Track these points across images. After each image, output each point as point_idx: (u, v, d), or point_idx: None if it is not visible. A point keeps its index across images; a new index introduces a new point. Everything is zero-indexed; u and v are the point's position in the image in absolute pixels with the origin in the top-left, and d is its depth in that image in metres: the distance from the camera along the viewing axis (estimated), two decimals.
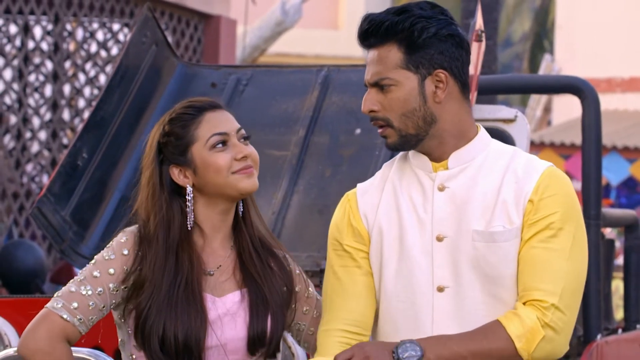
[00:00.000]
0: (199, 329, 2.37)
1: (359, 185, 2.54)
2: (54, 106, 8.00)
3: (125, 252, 2.42)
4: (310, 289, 2.52)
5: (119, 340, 2.48)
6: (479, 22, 3.89)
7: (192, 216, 2.44)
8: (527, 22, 20.77)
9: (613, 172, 11.68)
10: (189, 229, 2.43)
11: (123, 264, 2.42)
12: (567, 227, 2.35)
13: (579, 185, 4.35)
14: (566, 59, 15.16)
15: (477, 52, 3.87)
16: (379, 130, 2.42)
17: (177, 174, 2.45)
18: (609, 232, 7.17)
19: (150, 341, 2.37)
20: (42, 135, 8.01)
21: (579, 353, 4.37)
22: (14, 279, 6.18)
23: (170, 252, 2.41)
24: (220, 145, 2.44)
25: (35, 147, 8.01)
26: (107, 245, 2.45)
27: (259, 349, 2.44)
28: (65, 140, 8.02)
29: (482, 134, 2.45)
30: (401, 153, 2.50)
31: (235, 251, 2.48)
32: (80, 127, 4.15)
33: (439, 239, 2.39)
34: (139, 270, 2.41)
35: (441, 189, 2.41)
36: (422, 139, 2.41)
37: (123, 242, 2.44)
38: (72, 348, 2.89)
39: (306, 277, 2.54)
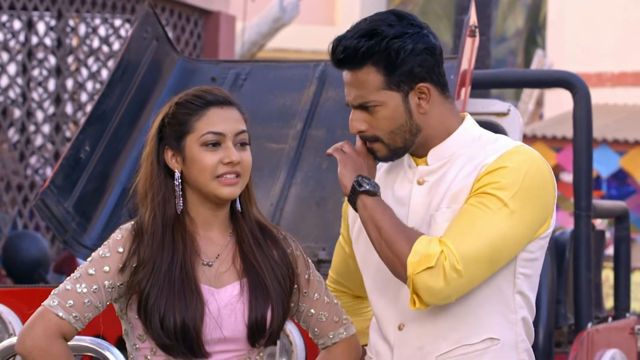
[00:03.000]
0: (194, 316, 2.37)
1: None
2: (57, 100, 8.04)
3: (120, 249, 2.41)
4: (310, 271, 2.51)
5: (123, 330, 2.48)
6: (472, 18, 3.88)
7: (181, 201, 2.42)
8: (520, 18, 20.80)
9: (603, 164, 11.70)
10: (179, 212, 2.42)
11: (118, 262, 2.41)
12: (502, 194, 2.33)
13: (570, 177, 4.36)
14: (558, 54, 15.19)
15: (470, 47, 3.89)
16: (370, 145, 2.43)
17: (169, 157, 2.44)
18: (599, 223, 7.21)
19: (151, 320, 2.38)
20: (46, 128, 8.04)
21: (570, 341, 4.41)
22: (18, 269, 6.22)
23: (167, 230, 2.41)
24: (211, 145, 2.41)
25: (39, 140, 8.02)
26: (104, 243, 2.45)
27: (259, 340, 2.44)
28: (68, 134, 8.05)
29: (465, 126, 2.46)
30: None
31: (235, 239, 2.47)
32: (82, 120, 4.17)
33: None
34: (134, 267, 2.40)
35: (420, 182, 2.45)
36: (409, 148, 2.45)
37: (118, 239, 2.42)
38: (75, 337, 2.89)
39: (307, 259, 2.53)
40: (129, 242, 2.42)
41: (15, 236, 6.65)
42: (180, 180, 2.43)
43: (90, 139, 4.02)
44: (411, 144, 2.44)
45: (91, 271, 2.41)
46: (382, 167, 2.55)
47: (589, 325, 4.20)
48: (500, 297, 2.41)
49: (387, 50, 2.37)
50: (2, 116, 7.69)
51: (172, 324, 2.37)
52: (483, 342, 2.40)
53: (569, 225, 4.68)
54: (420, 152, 2.47)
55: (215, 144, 2.41)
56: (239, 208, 2.46)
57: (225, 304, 2.42)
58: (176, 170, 2.44)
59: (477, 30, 3.94)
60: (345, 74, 2.42)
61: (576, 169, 4.27)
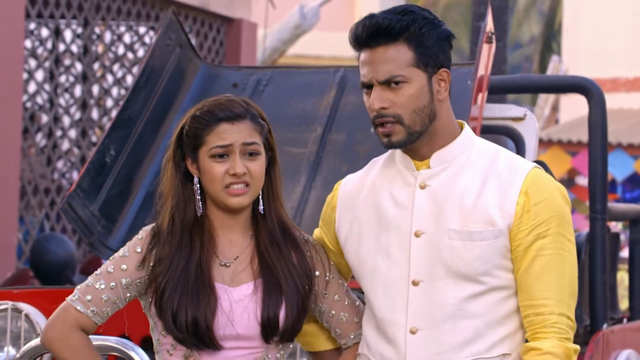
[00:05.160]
0: (205, 313, 2.43)
1: (346, 178, 2.62)
2: (84, 106, 8.14)
3: (139, 249, 2.50)
4: (329, 273, 2.56)
5: (150, 326, 2.55)
6: (489, 24, 3.90)
7: (200, 204, 2.51)
8: (535, 25, 20.79)
9: (618, 168, 11.75)
10: (199, 215, 2.50)
11: (136, 261, 2.49)
12: (562, 230, 2.42)
13: (585, 181, 4.37)
14: (573, 60, 15.21)
15: (487, 53, 3.92)
16: (385, 129, 2.43)
17: (190, 163, 2.54)
18: (614, 225, 7.21)
19: (165, 315, 2.46)
20: (72, 133, 8.13)
21: (585, 342, 4.41)
22: (45, 271, 6.29)
23: (185, 231, 2.49)
24: (218, 156, 2.48)
25: (65, 145, 8.11)
26: (127, 243, 2.53)
27: (273, 337, 2.49)
28: (94, 138, 8.13)
29: (466, 132, 2.50)
30: (389, 151, 2.55)
31: (254, 241, 2.53)
32: (108, 125, 4.19)
33: (417, 235, 2.45)
34: (152, 265, 2.48)
35: (422, 187, 2.46)
36: (423, 135, 2.45)
37: (138, 240, 2.52)
38: (101, 337, 3.03)
39: (330, 262, 2.57)
40: (148, 241, 2.51)
41: (43, 238, 6.71)
42: (199, 185, 2.52)
43: (116, 144, 4.06)
44: (425, 132, 2.44)
45: (110, 269, 2.51)
46: (373, 170, 2.55)
47: (604, 326, 4.23)
48: (517, 315, 2.48)
49: (420, 28, 2.42)
50: (30, 121, 7.79)
51: (184, 319, 2.44)
52: (497, 357, 2.46)
53: (585, 228, 4.71)
54: (423, 152, 2.48)
55: (222, 156, 2.49)
56: (262, 210, 2.53)
57: (239, 301, 2.48)
58: (195, 176, 2.52)
59: (493, 36, 3.94)
60: (371, 53, 2.43)
61: (591, 172, 4.29)
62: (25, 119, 7.58)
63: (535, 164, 2.49)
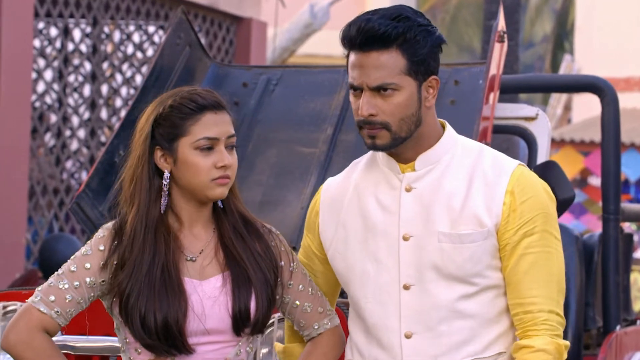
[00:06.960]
0: (177, 312, 2.40)
1: (327, 181, 2.60)
2: (93, 105, 8.15)
3: (102, 247, 2.45)
4: (293, 263, 2.54)
5: (115, 325, 2.51)
6: (501, 23, 3.89)
7: (167, 200, 2.46)
8: (548, 23, 20.79)
9: (631, 168, 11.76)
10: (162, 212, 2.46)
11: (99, 259, 2.45)
12: (548, 227, 2.43)
13: (598, 181, 4.37)
14: (586, 59, 15.22)
15: (499, 52, 3.90)
16: (371, 132, 2.41)
17: (158, 157, 2.46)
18: (627, 226, 7.22)
19: (132, 321, 2.41)
20: (81, 133, 8.15)
21: (598, 344, 4.41)
22: (54, 271, 6.27)
23: (149, 231, 2.44)
24: (206, 149, 2.44)
25: (74, 145, 8.12)
26: (88, 241, 2.48)
27: (244, 329, 2.47)
28: (103, 138, 8.15)
29: (448, 133, 2.49)
30: (370, 152, 2.52)
31: (217, 234, 2.50)
32: (117, 125, 4.21)
33: (405, 239, 2.44)
34: (115, 265, 2.43)
35: (408, 189, 2.45)
36: (407, 140, 2.44)
37: (100, 238, 2.47)
38: (109, 338, 3.03)
39: (292, 252, 2.56)
40: (110, 240, 2.46)
41: (52, 238, 6.73)
42: (168, 180, 2.47)
43: (125, 144, 4.00)
44: (409, 137, 2.43)
45: (73, 268, 2.45)
46: (355, 172, 2.53)
47: (618, 327, 4.22)
48: (508, 313, 2.47)
49: (416, 36, 2.41)
50: (38, 121, 7.80)
51: (153, 322, 2.40)
52: (493, 356, 2.46)
53: (598, 229, 4.69)
54: (408, 155, 2.46)
55: (210, 148, 2.45)
56: (220, 204, 2.50)
57: (208, 296, 2.45)
58: (165, 171, 2.46)
59: (505, 35, 3.93)
60: (363, 56, 2.39)
61: (604, 172, 4.29)
62: (34, 118, 7.59)
63: (519, 162, 2.49)
